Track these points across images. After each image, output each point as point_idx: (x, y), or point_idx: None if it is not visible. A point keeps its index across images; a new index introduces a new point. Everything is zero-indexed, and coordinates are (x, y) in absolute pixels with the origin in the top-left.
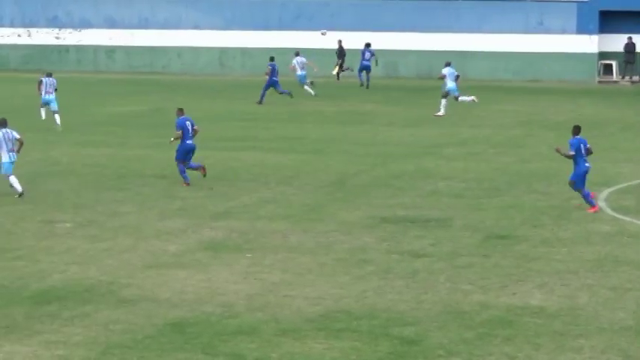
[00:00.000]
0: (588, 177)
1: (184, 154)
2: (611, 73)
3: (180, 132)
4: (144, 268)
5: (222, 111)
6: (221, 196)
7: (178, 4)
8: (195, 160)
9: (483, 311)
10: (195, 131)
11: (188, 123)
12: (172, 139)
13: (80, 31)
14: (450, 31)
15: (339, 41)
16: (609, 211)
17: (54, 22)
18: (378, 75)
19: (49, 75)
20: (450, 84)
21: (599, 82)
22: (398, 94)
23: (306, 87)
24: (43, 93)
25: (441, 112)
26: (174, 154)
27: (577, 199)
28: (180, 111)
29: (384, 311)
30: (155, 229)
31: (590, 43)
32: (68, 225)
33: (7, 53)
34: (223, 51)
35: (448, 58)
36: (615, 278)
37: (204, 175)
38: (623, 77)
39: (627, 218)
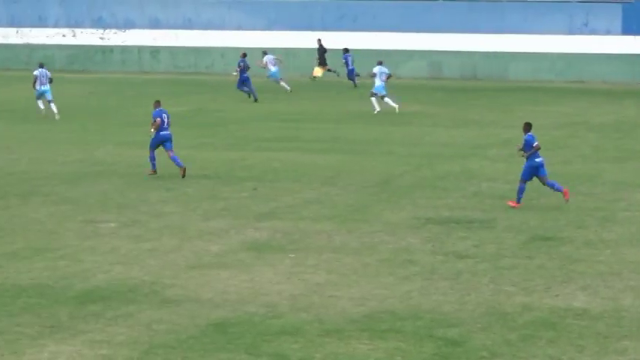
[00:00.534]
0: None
1: (158, 143)
2: None
3: (159, 120)
4: (187, 269)
5: (265, 111)
6: (264, 197)
7: (222, 4)
8: (235, 161)
9: (526, 313)
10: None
11: (165, 115)
12: (152, 129)
13: (125, 31)
14: (494, 32)
15: (319, 40)
16: None
17: (99, 23)
18: (422, 76)
19: (42, 66)
20: (378, 82)
21: None
22: (442, 95)
23: (282, 83)
24: (38, 85)
25: (377, 109)
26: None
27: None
28: (157, 103)
29: (428, 312)
30: (198, 229)
31: (635, 44)
32: (112, 225)
33: (52, 53)
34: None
35: (493, 58)
36: None
37: (183, 176)
38: None
39: None
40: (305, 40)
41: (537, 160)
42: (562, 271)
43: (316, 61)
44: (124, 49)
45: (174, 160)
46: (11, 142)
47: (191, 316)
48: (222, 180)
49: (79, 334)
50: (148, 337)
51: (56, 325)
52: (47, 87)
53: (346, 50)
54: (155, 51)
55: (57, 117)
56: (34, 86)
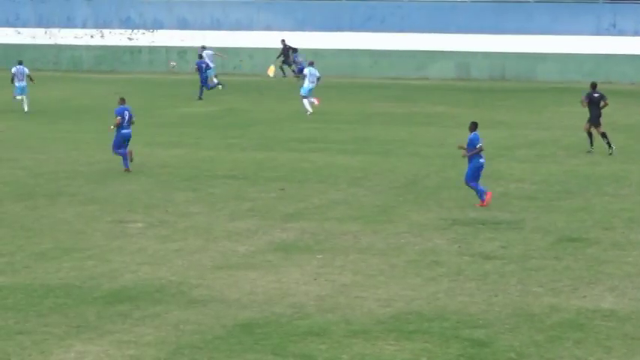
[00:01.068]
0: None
1: (121, 142)
2: None
3: (119, 118)
4: (214, 269)
5: (293, 112)
6: (292, 198)
7: (251, 5)
8: (263, 161)
9: (554, 314)
10: (132, 121)
11: (126, 112)
12: (112, 126)
13: (152, 32)
14: (522, 33)
15: (283, 40)
16: None
17: (127, 23)
18: (450, 77)
19: (20, 63)
20: (306, 84)
21: None
22: (469, 96)
23: (214, 79)
24: (16, 82)
25: (309, 111)
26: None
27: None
28: (122, 100)
29: (454, 313)
30: (225, 230)
31: None
32: (139, 225)
33: (80, 54)
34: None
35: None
36: None
37: (131, 160)
38: None
39: None
40: (333, 41)
41: (481, 160)
42: (589, 272)
43: (280, 60)
44: (152, 50)
45: (124, 157)
46: (39, 143)
47: (218, 316)
48: (249, 180)
49: (107, 334)
50: (175, 337)
51: (83, 325)
52: (24, 83)
53: (295, 50)
54: (183, 51)
55: (26, 110)
56: (12, 82)
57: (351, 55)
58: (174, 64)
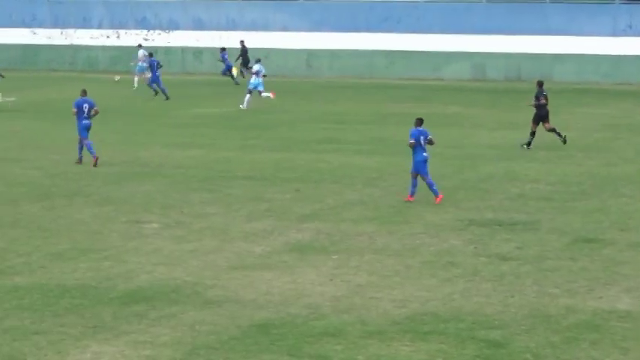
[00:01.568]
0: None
1: (84, 131)
2: None
3: (76, 110)
4: (229, 270)
5: (309, 113)
6: (307, 198)
7: (267, 6)
8: (280, 162)
9: (570, 315)
10: (95, 112)
11: (86, 105)
12: (73, 112)
13: (168, 32)
14: (538, 34)
15: (242, 42)
16: None
17: (142, 24)
18: (465, 78)
19: None
20: (256, 80)
21: None
22: (486, 97)
23: (137, 78)
24: None
25: (244, 106)
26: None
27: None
28: (83, 92)
29: (470, 314)
30: (241, 230)
31: None
32: (155, 226)
33: (96, 54)
34: (311, 53)
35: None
36: None
37: (95, 165)
38: None
39: None
40: (349, 41)
41: (424, 154)
42: (605, 273)
43: (239, 61)
44: (168, 50)
45: (88, 147)
46: (54, 143)
47: (234, 317)
48: (266, 181)
49: (122, 335)
50: (190, 337)
51: (99, 325)
52: None
53: (223, 49)
54: (199, 52)
55: None
56: None
57: (367, 56)
58: (119, 78)
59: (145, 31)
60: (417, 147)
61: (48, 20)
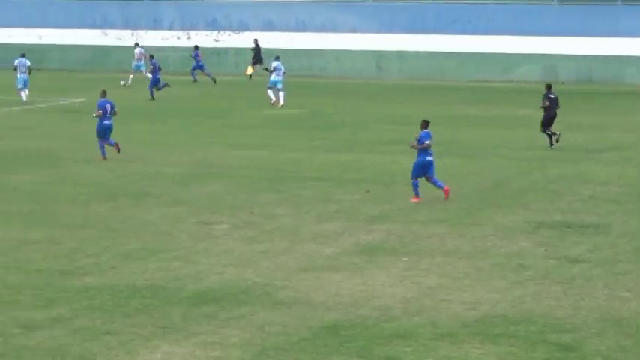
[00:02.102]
0: None
1: (103, 132)
2: None
3: (100, 111)
4: (299, 271)
5: (379, 114)
6: (378, 200)
7: (336, 7)
8: (349, 163)
9: None
10: (115, 113)
11: (108, 105)
12: (95, 115)
13: (238, 34)
14: (609, 36)
15: (255, 40)
16: None
17: (213, 25)
18: (536, 79)
19: (23, 56)
20: (274, 77)
21: None
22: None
23: (131, 76)
24: (18, 74)
25: (274, 101)
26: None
27: None
28: (103, 93)
29: (541, 317)
30: (311, 231)
31: None
32: (225, 226)
33: (166, 56)
34: (380, 54)
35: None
36: None
37: (118, 152)
38: None
39: None
40: (418, 43)
41: (428, 158)
42: None
43: (250, 60)
44: (238, 52)
45: (111, 144)
46: (123, 144)
47: (303, 318)
48: (335, 182)
49: (192, 336)
50: (260, 338)
51: (169, 325)
52: (27, 75)
53: (196, 48)
54: (268, 53)
55: (25, 100)
56: (15, 70)
57: (437, 58)
58: (124, 82)
59: (215, 33)
60: (421, 150)
61: (119, 21)
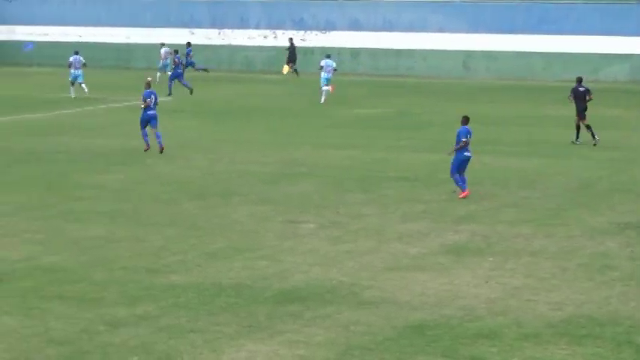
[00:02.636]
0: None
1: (146, 121)
2: None
3: (148, 100)
4: (385, 271)
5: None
6: (464, 200)
7: (423, 7)
8: (436, 163)
9: None
10: (156, 103)
11: (153, 96)
12: (143, 106)
13: (325, 33)
14: None
15: (290, 39)
16: None
17: (299, 25)
18: (624, 80)
19: (77, 53)
20: (323, 75)
21: None
22: None
23: (158, 74)
24: (72, 69)
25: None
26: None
27: None
28: (148, 85)
29: (627, 318)
30: (397, 231)
31: None
32: (311, 226)
33: (253, 55)
34: (468, 54)
35: None
36: None
37: (160, 152)
38: None
39: None
40: (506, 43)
41: (466, 154)
42: None
43: (286, 59)
44: (325, 51)
45: (157, 137)
46: (211, 142)
47: (388, 317)
48: (422, 182)
49: (277, 335)
50: (345, 338)
51: (254, 324)
52: (80, 72)
53: (189, 44)
54: (356, 52)
55: (86, 93)
56: (69, 68)
57: (524, 57)
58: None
59: (302, 32)
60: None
61: (206, 21)
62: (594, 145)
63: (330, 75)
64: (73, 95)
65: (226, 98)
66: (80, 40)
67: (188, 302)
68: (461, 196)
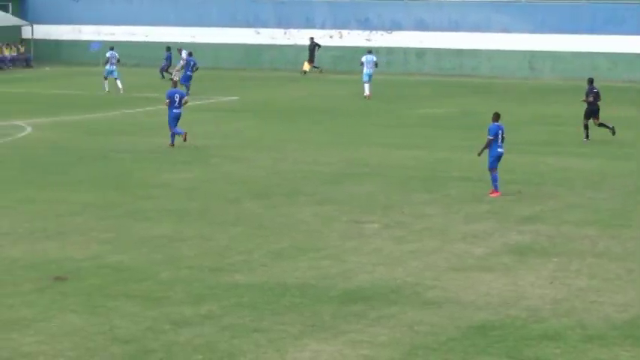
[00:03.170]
0: None
1: (173, 119)
2: None
3: (168, 101)
4: (449, 271)
5: (530, 114)
6: (528, 200)
7: (489, 7)
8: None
9: None
10: (185, 101)
11: (177, 95)
12: (165, 102)
13: (390, 33)
14: None
15: (311, 38)
16: None
17: (365, 24)
18: None
19: (112, 49)
20: (365, 70)
21: None
22: None
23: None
24: (108, 65)
25: (367, 93)
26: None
27: None
28: (174, 84)
29: None
30: (461, 231)
31: None
32: (376, 226)
33: (318, 54)
34: (533, 54)
35: None
36: None
37: (185, 140)
38: None
39: None
40: (571, 43)
41: (499, 150)
42: None
43: (307, 57)
44: (390, 51)
45: (176, 131)
46: (276, 142)
47: (452, 318)
48: (486, 182)
49: (341, 334)
50: (409, 338)
51: (318, 324)
52: (114, 67)
53: (168, 49)
54: (421, 52)
55: (121, 92)
56: (104, 65)
57: (589, 58)
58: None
59: (367, 32)
60: (493, 142)
61: (271, 20)
62: (613, 134)
63: (371, 70)
64: (106, 89)
65: (290, 98)
66: (146, 40)
67: (252, 302)
68: (492, 195)
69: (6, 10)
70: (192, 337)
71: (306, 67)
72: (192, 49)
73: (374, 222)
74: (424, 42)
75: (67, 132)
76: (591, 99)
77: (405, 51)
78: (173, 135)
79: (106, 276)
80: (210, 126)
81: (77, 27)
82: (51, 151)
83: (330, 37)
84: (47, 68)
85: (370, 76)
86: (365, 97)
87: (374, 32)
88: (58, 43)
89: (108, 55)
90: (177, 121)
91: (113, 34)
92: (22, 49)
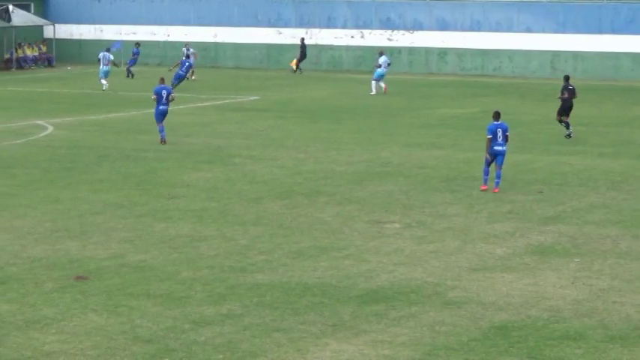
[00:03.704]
0: None
1: (159, 116)
2: None
3: (155, 97)
4: (470, 271)
5: (550, 114)
6: (550, 200)
7: (511, 7)
8: (522, 164)
9: None
10: (172, 98)
11: (164, 91)
12: (152, 98)
13: (412, 32)
14: None
15: (302, 39)
16: None
17: (387, 24)
18: None
19: (108, 50)
20: (379, 70)
21: None
22: None
23: (193, 77)
24: (101, 65)
25: (374, 92)
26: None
27: None
28: (161, 80)
29: None
30: (483, 231)
31: None
32: (397, 226)
33: (340, 54)
34: (555, 54)
35: None
36: None
37: (162, 143)
38: None
39: None
40: (594, 43)
41: (495, 148)
42: None
43: (297, 56)
44: (412, 51)
45: (160, 129)
46: (298, 142)
47: (473, 318)
48: (507, 183)
49: (361, 334)
50: (430, 338)
51: (339, 324)
52: (108, 67)
53: (137, 45)
54: (443, 52)
55: (104, 89)
56: (99, 62)
57: (613, 58)
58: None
59: (389, 32)
60: (492, 140)
61: (293, 20)
62: (569, 136)
63: (385, 70)
64: (104, 88)
65: (312, 97)
66: (168, 40)
67: (273, 301)
68: (481, 189)
69: (28, 10)
70: (212, 337)
71: (293, 64)
72: (214, 48)
73: (395, 222)
74: (446, 42)
75: (88, 131)
76: (566, 95)
77: (427, 51)
78: (162, 130)
79: (127, 275)
80: (232, 125)
81: (99, 27)
82: (72, 150)
83: (352, 37)
84: (69, 68)
85: (382, 75)
86: (371, 95)
87: (396, 32)
88: (79, 43)
89: (99, 56)
90: (164, 117)
91: (134, 33)
92: (44, 49)
